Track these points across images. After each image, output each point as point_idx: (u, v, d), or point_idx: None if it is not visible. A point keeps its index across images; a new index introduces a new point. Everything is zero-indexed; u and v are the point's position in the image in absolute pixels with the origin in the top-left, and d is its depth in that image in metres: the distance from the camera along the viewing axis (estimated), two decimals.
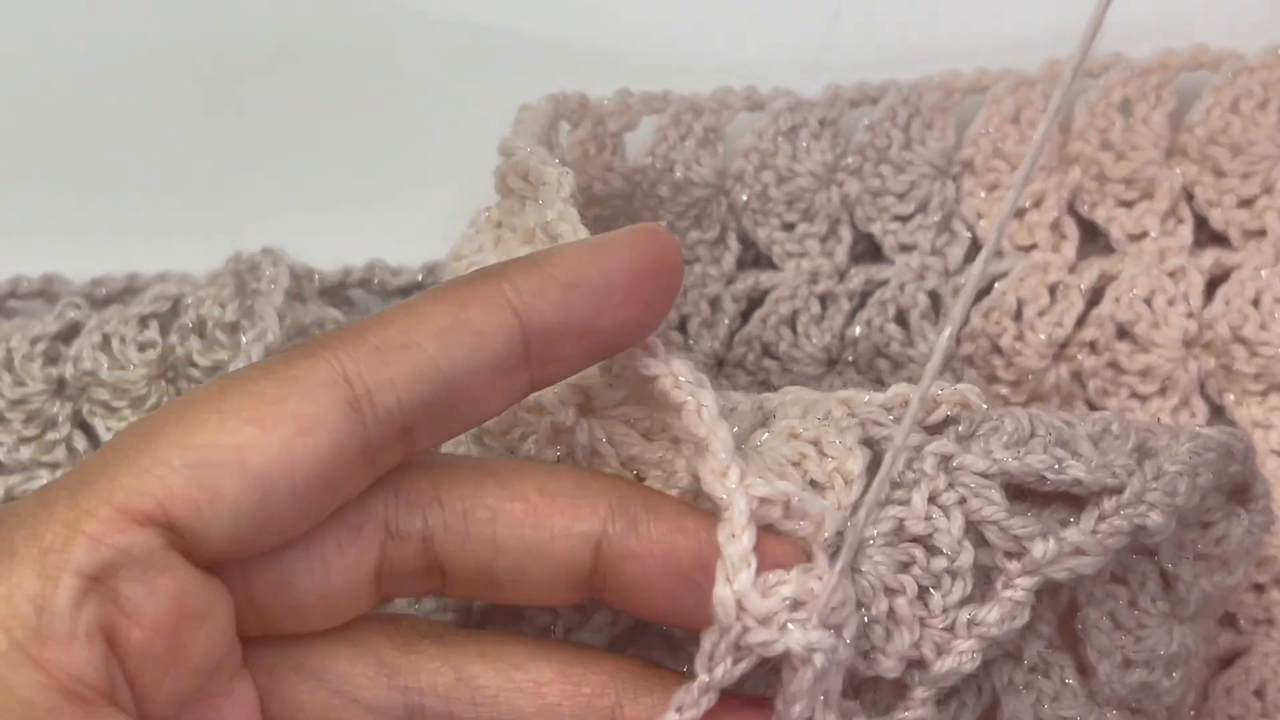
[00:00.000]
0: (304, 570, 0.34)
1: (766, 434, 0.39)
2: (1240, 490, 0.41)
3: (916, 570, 0.37)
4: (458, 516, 0.35)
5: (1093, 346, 0.51)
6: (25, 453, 0.49)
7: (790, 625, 0.33)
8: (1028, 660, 0.39)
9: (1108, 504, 0.37)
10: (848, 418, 0.39)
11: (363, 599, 0.35)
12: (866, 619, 0.36)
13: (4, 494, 0.49)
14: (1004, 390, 0.51)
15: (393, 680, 0.35)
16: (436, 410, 0.33)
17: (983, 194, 0.52)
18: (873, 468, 0.38)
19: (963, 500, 0.37)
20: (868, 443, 0.39)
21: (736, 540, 0.33)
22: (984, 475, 0.37)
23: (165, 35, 0.56)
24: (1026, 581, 0.37)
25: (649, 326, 0.36)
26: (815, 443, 0.38)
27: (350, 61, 0.56)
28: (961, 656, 0.36)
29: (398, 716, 0.35)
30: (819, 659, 0.33)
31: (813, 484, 0.38)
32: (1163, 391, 0.51)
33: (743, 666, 0.33)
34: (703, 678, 0.33)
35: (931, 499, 0.37)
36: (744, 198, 0.52)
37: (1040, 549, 0.37)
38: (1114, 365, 0.51)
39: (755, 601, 0.33)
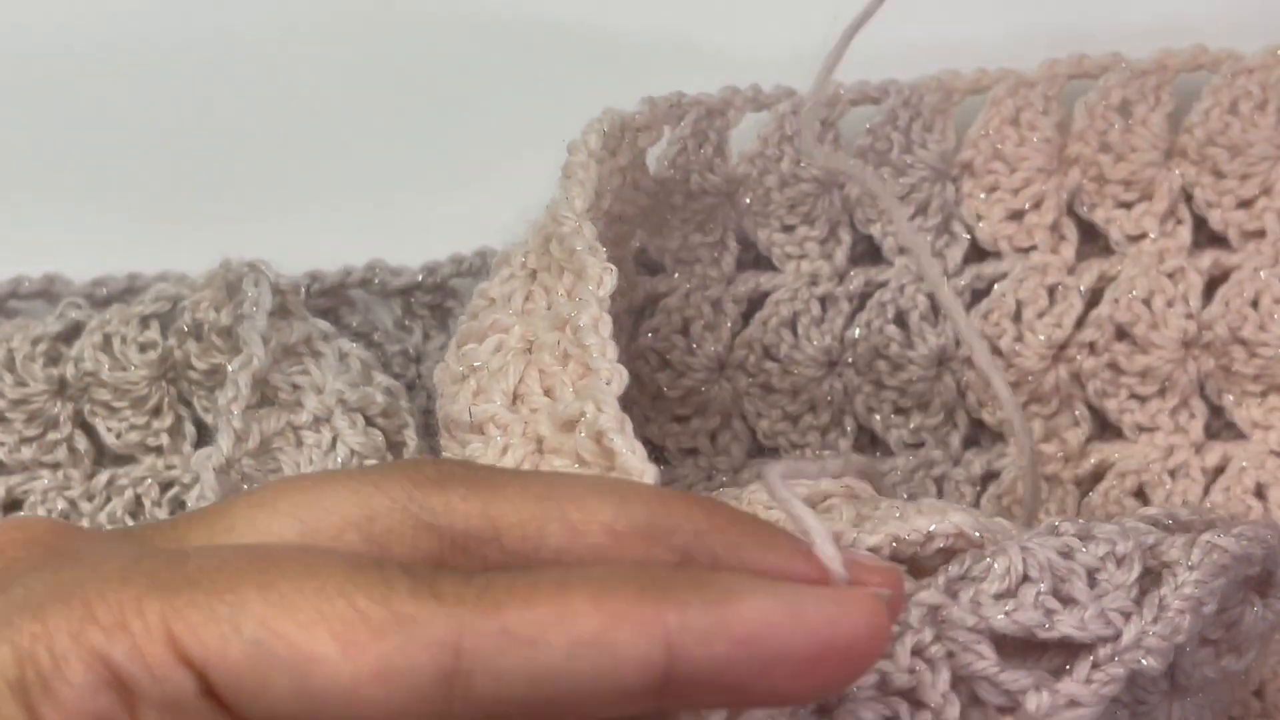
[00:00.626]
0: None
1: None
2: (1260, 580, 0.39)
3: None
4: None
5: (1092, 348, 0.51)
6: (26, 453, 0.49)
7: None
8: None
9: (1102, 651, 0.36)
10: None
11: None
12: None
13: (4, 494, 0.49)
14: None
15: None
16: (535, 711, 0.30)
17: (982, 196, 0.52)
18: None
19: (950, 655, 0.36)
20: None
21: None
22: (973, 630, 0.36)
23: (165, 34, 0.56)
24: None
25: (810, 702, 0.32)
26: None
27: (351, 60, 0.56)
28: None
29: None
30: None
31: None
32: (1162, 392, 0.51)
33: None
34: None
35: (917, 652, 0.36)
36: (747, 200, 0.52)
37: (1034, 702, 0.35)
38: (1113, 366, 0.51)
39: None
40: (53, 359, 0.50)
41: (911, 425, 0.52)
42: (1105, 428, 0.52)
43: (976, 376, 0.51)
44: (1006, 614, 0.36)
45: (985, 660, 0.36)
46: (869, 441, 0.53)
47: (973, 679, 0.36)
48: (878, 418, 0.52)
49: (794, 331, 0.51)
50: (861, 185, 0.51)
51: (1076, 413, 0.51)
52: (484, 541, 0.32)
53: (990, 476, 0.52)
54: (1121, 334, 0.51)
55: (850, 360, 0.51)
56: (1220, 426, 0.52)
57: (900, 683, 0.35)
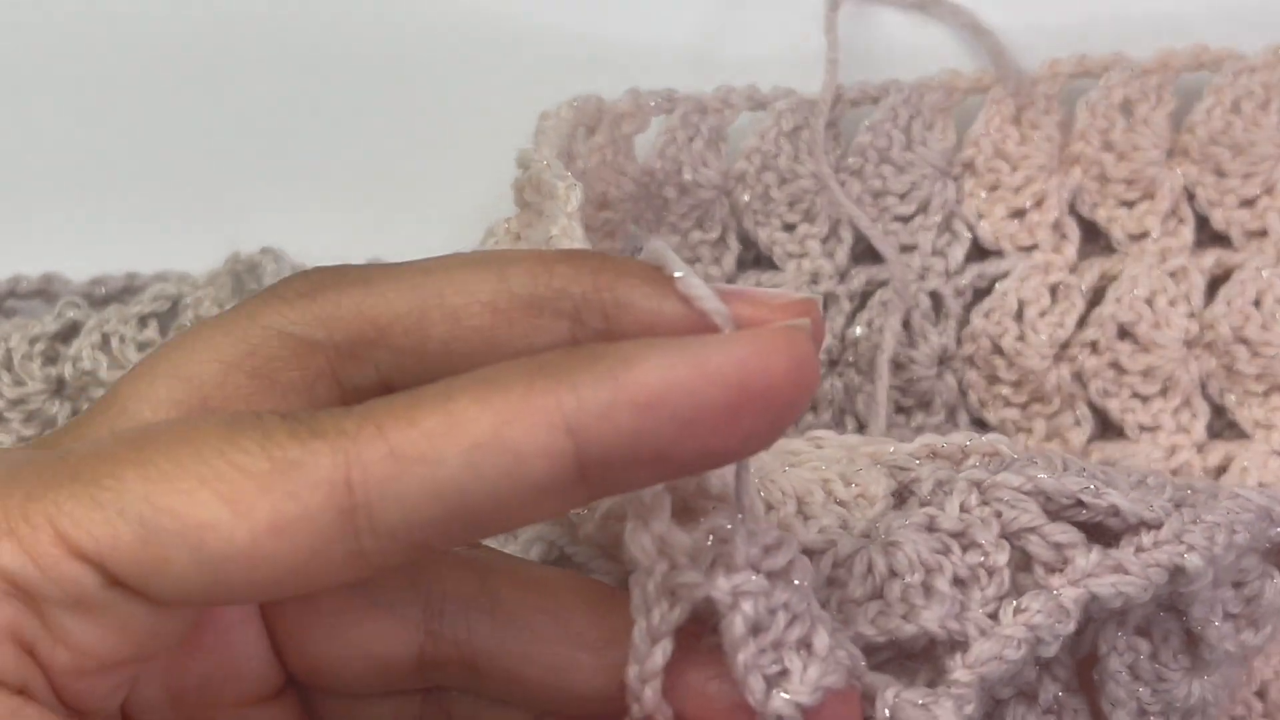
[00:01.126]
0: (334, 648, 0.32)
1: (789, 469, 0.39)
2: (1278, 551, 0.39)
3: (954, 557, 0.35)
4: (502, 627, 0.32)
5: (1094, 347, 0.51)
6: None
7: (716, 568, 0.31)
8: (1043, 703, 0.38)
9: (1145, 538, 0.36)
10: (874, 466, 0.39)
11: (405, 678, 0.33)
12: (904, 585, 0.35)
13: None
14: (1005, 390, 0.51)
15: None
16: (452, 528, 0.29)
17: (983, 194, 0.52)
18: (899, 494, 0.37)
19: (999, 514, 0.36)
20: (895, 481, 0.38)
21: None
22: (1019, 490, 0.36)
23: (166, 34, 0.56)
24: (1071, 593, 0.35)
25: (745, 456, 0.30)
26: (841, 475, 0.38)
27: (351, 60, 0.56)
28: (1006, 642, 0.34)
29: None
30: (748, 605, 0.30)
31: (839, 503, 0.37)
32: (1164, 392, 0.51)
33: (681, 611, 0.31)
34: (640, 623, 0.31)
35: (964, 510, 0.36)
36: (745, 198, 0.52)
37: (1083, 559, 0.35)
38: (1115, 365, 0.51)
39: (678, 538, 0.31)
40: (50, 358, 0.49)
41: (913, 424, 0.52)
42: (1107, 427, 0.52)
43: (978, 376, 0.51)
44: (1054, 478, 0.36)
45: (1032, 514, 0.36)
46: None
47: (1021, 533, 0.35)
48: (878, 418, 0.52)
49: None
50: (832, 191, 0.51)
51: (1078, 412, 0.51)
52: (370, 344, 0.31)
53: None
54: (1124, 333, 0.51)
55: (851, 359, 0.51)
56: (1222, 426, 0.52)
57: (949, 525, 0.35)
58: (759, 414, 0.28)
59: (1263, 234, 0.51)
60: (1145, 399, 0.51)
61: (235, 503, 0.28)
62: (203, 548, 0.28)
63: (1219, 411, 0.51)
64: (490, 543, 0.42)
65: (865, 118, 0.52)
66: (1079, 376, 0.51)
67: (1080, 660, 0.39)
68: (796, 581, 0.31)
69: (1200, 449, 0.51)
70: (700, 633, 0.31)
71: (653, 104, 0.51)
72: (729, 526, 0.31)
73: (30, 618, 0.28)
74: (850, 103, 0.53)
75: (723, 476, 0.32)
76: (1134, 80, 0.52)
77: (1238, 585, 0.38)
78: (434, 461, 0.28)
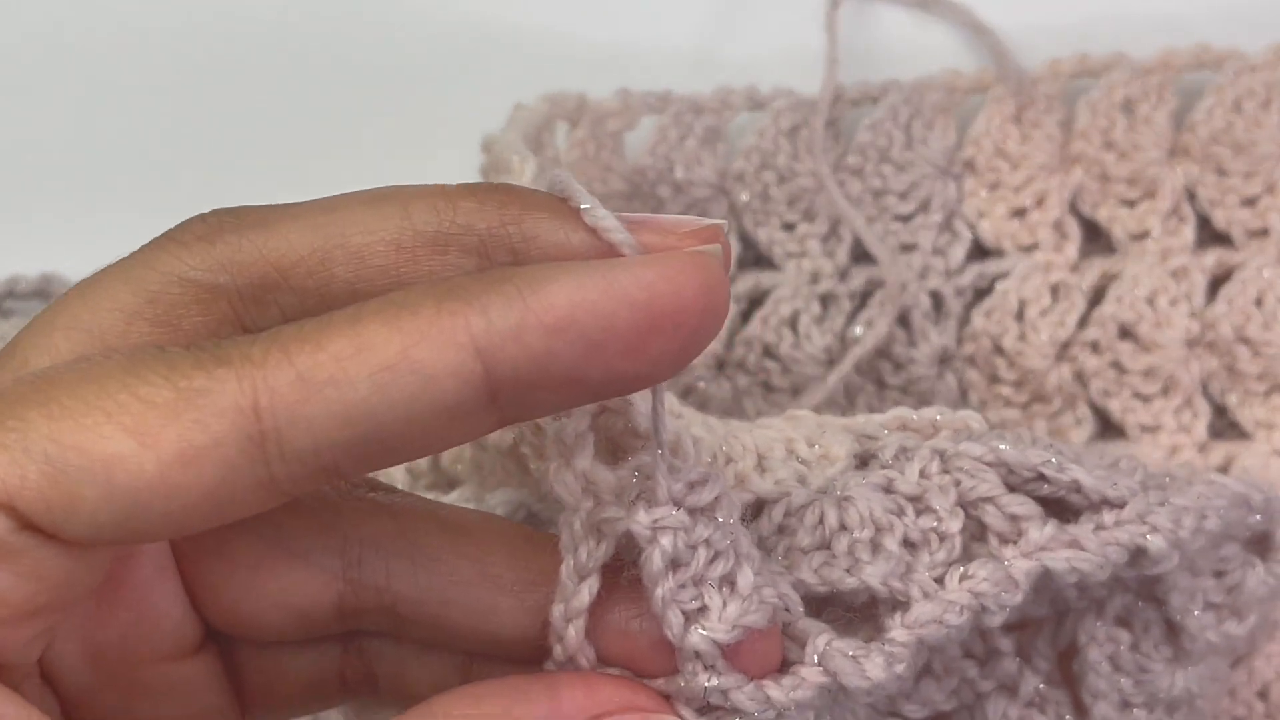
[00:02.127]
0: (252, 599, 0.32)
1: (756, 430, 0.39)
2: (1260, 540, 0.39)
3: (907, 519, 0.35)
4: (419, 572, 0.32)
5: (1095, 346, 0.50)
6: None
7: (639, 502, 0.31)
8: (1024, 695, 0.38)
9: (1107, 516, 0.35)
10: (841, 431, 0.38)
11: (325, 626, 0.33)
12: (853, 539, 0.34)
13: None
14: (1006, 390, 0.51)
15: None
16: (364, 452, 0.28)
17: (984, 193, 0.52)
18: (861, 456, 0.37)
19: (957, 482, 0.35)
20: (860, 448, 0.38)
21: (571, 423, 0.31)
22: (980, 460, 0.36)
23: (165, 34, 0.56)
24: (1023, 565, 0.34)
25: (656, 380, 0.30)
26: (806, 437, 0.38)
27: (350, 60, 0.56)
28: (948, 606, 0.33)
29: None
30: (667, 540, 0.30)
31: (800, 461, 0.37)
32: (1165, 392, 0.50)
33: (606, 547, 0.31)
34: (568, 560, 0.31)
35: (924, 475, 0.35)
36: (744, 197, 0.52)
37: (1037, 531, 0.35)
38: (1116, 365, 0.50)
39: (602, 475, 0.31)
40: None
41: None
42: (1108, 427, 0.52)
43: (979, 376, 0.51)
44: (1017, 451, 0.35)
45: (990, 484, 0.35)
46: None
47: (977, 503, 0.35)
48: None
49: (794, 330, 0.51)
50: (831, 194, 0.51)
51: (1079, 412, 0.51)
52: (273, 287, 0.30)
53: None
54: (1125, 333, 0.50)
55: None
56: (1224, 426, 0.51)
57: (906, 489, 0.35)
58: (668, 337, 0.28)
59: (1264, 233, 0.51)
60: (1146, 399, 0.51)
61: (142, 434, 0.27)
62: (112, 481, 0.27)
63: (1220, 411, 0.51)
64: (457, 499, 0.42)
65: (865, 117, 0.52)
66: (1080, 376, 0.51)
67: (1062, 652, 0.39)
68: (720, 519, 0.31)
69: (1202, 449, 0.51)
70: (625, 577, 0.31)
71: (641, 103, 0.52)
72: (651, 461, 0.31)
73: None
74: (850, 102, 0.53)
75: (650, 416, 0.32)
76: (1135, 79, 0.52)
77: (1219, 575, 0.38)
78: (343, 384, 0.27)
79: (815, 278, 0.52)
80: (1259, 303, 0.50)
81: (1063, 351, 0.51)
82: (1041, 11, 0.54)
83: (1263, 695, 0.46)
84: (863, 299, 0.52)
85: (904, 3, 0.54)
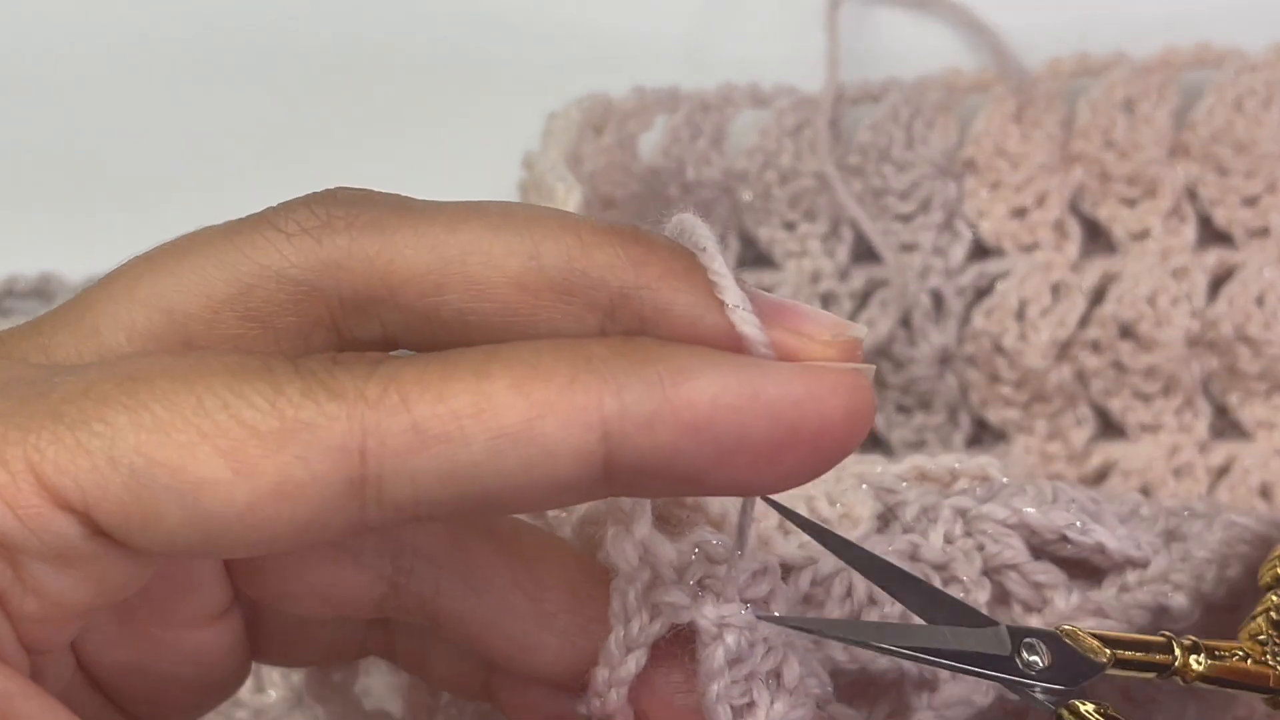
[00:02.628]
0: (293, 585, 0.31)
1: None
2: None
3: None
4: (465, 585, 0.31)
5: (1096, 346, 0.50)
6: None
7: (703, 592, 0.30)
8: None
9: (1131, 576, 0.35)
10: (861, 487, 0.38)
11: (359, 614, 0.32)
12: (883, 614, 0.34)
13: None
14: (1007, 390, 0.51)
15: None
16: (459, 508, 0.27)
17: (984, 193, 0.52)
18: (884, 516, 0.37)
19: (981, 547, 0.35)
20: (881, 503, 0.38)
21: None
22: (1004, 524, 0.35)
23: (165, 34, 0.56)
24: None
25: (775, 491, 0.28)
26: (827, 494, 0.37)
27: (352, 60, 0.56)
28: (975, 687, 0.33)
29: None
30: (732, 639, 0.30)
31: (822, 522, 0.37)
32: (1166, 391, 0.50)
33: (661, 626, 0.30)
34: (617, 630, 0.30)
35: (948, 540, 0.35)
36: (746, 196, 0.52)
37: (1062, 600, 0.34)
38: (1117, 365, 0.50)
39: (662, 547, 0.30)
40: None
41: (914, 424, 0.52)
42: (1109, 427, 0.51)
43: (980, 375, 0.51)
44: (1041, 512, 0.35)
45: (1015, 550, 0.35)
46: (870, 441, 0.52)
47: (1001, 570, 0.35)
48: (880, 417, 0.52)
49: None
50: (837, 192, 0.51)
51: (1080, 412, 0.51)
52: (378, 302, 0.28)
53: None
54: (1125, 332, 0.50)
55: None
56: (1225, 426, 0.51)
57: (931, 556, 0.35)
58: (802, 456, 0.26)
59: (1265, 232, 0.51)
60: (1147, 398, 0.51)
61: (239, 462, 0.26)
62: (199, 505, 0.26)
63: (1221, 411, 0.51)
64: None
65: (866, 116, 0.52)
66: (1080, 376, 0.51)
67: None
68: (776, 612, 0.31)
69: (1202, 448, 0.51)
70: (672, 642, 0.31)
71: (656, 102, 0.51)
72: (715, 543, 0.30)
73: (3, 569, 0.26)
74: (851, 101, 0.53)
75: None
76: (1136, 78, 0.51)
77: (1231, 610, 0.37)
78: (457, 443, 0.26)
79: (816, 277, 0.51)
80: (1260, 302, 0.50)
81: (1063, 351, 0.51)
82: (1041, 11, 0.54)
83: None
84: (863, 299, 0.52)
85: (904, 3, 0.54)
